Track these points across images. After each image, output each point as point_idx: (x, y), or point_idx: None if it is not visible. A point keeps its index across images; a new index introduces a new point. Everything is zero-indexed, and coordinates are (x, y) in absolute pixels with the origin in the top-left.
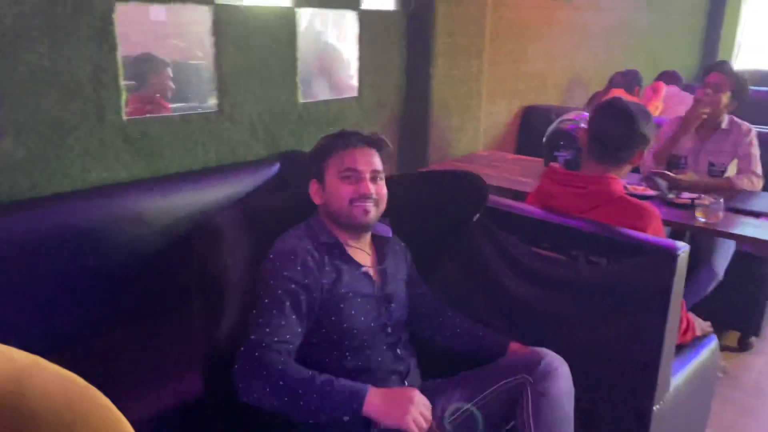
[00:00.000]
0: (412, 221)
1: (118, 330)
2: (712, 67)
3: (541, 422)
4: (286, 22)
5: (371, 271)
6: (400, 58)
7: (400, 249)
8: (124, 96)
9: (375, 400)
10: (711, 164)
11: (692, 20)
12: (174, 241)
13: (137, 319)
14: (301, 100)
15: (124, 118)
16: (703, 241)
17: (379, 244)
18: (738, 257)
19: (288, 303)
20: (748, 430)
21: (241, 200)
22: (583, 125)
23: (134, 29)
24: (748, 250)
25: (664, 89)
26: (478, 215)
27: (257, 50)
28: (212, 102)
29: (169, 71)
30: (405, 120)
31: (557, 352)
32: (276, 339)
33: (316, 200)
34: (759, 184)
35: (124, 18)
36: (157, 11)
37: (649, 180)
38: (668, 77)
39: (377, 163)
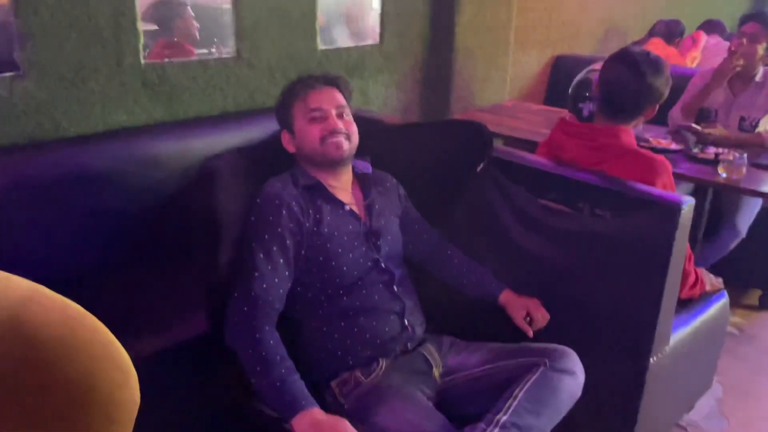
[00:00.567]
0: (416, 171)
1: (133, 269)
2: (750, 17)
3: (531, 396)
4: None
5: (355, 208)
6: (424, 5)
7: (391, 186)
8: (141, 40)
9: (303, 423)
10: (742, 119)
11: None
12: (190, 185)
13: (152, 259)
14: (321, 46)
15: (143, 62)
16: (727, 198)
17: (362, 182)
18: (763, 214)
19: (275, 248)
20: (762, 389)
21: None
22: None
23: None
24: None
25: (704, 39)
26: (482, 165)
27: None
28: (232, 47)
29: (192, 15)
30: (428, 69)
31: (559, 304)
32: (265, 286)
33: (290, 149)
34: None
35: None
36: None
37: (676, 134)
38: (710, 26)
39: (340, 99)
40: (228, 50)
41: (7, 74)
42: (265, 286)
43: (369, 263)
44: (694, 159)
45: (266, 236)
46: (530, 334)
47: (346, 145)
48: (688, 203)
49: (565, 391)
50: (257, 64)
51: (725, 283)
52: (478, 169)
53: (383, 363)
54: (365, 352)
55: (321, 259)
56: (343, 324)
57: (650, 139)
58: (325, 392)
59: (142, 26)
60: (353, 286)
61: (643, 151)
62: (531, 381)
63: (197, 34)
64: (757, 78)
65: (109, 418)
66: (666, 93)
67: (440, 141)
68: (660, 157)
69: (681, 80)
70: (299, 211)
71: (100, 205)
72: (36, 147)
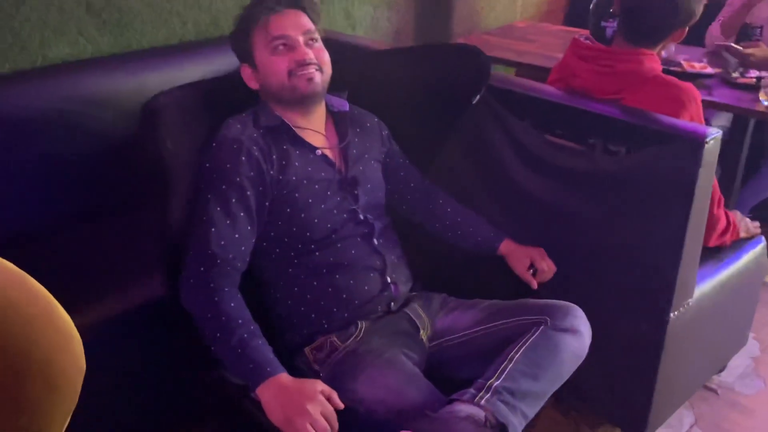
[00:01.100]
0: (402, 105)
1: (82, 225)
2: None
3: (528, 358)
4: None
5: (329, 153)
6: None
7: (372, 125)
8: None
9: (269, 391)
10: None
11: None
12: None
13: (101, 213)
14: None
15: None
16: None
17: (338, 122)
18: None
19: (234, 199)
20: None
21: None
22: None
23: None
24: None
25: None
26: (479, 96)
27: None
28: None
29: None
30: None
31: (568, 253)
32: (223, 243)
33: (252, 85)
34: None
35: None
36: None
37: (713, 54)
38: None
39: (307, 23)
40: None
41: None
42: (223, 242)
43: (344, 215)
44: (733, 84)
45: (223, 186)
46: (534, 285)
47: (318, 77)
48: (714, 136)
49: (568, 351)
50: None
51: (766, 228)
52: (474, 101)
53: (362, 326)
54: (342, 314)
55: (288, 210)
56: (315, 283)
57: (682, 62)
58: (298, 359)
59: None
60: (326, 241)
61: (667, 78)
62: (529, 342)
63: None
64: None
65: (49, 386)
66: (698, 11)
67: (429, 69)
68: (687, 85)
69: None
70: (261, 156)
71: (40, 153)
72: None
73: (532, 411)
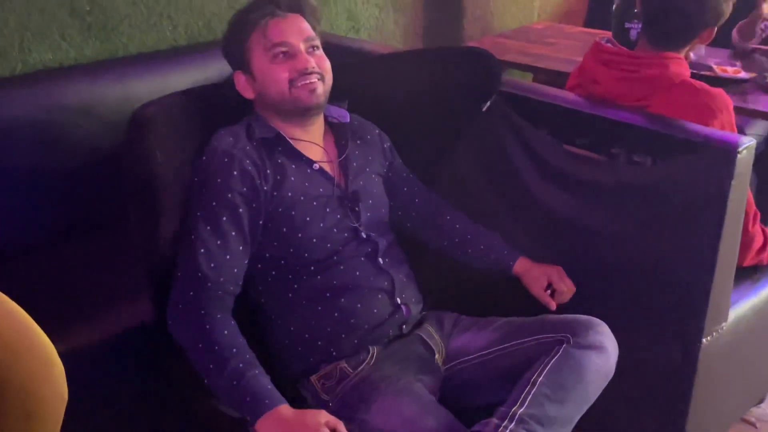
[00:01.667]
0: (406, 111)
1: (65, 242)
2: None
3: (552, 381)
4: None
5: (327, 167)
6: None
7: (373, 137)
8: None
9: (269, 426)
10: None
11: None
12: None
13: (88, 229)
14: None
15: None
16: None
17: (337, 133)
18: None
19: (225, 217)
20: None
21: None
22: None
23: None
24: None
25: None
26: (489, 103)
27: None
28: None
29: None
30: None
31: (590, 272)
32: (213, 265)
33: (248, 94)
34: None
35: None
36: None
37: (746, 57)
38: None
39: (308, 29)
40: None
41: None
42: (213, 264)
43: (345, 233)
44: None
45: (213, 203)
46: (553, 307)
47: (320, 87)
48: (747, 145)
49: (594, 371)
50: None
51: None
52: (484, 108)
53: (374, 351)
54: (351, 340)
55: (284, 230)
56: (320, 308)
57: (714, 66)
58: (303, 388)
59: None
60: (327, 262)
61: (696, 83)
62: (551, 363)
63: None
64: None
65: (28, 415)
66: (728, 10)
67: (435, 74)
68: (718, 91)
69: None
70: (254, 170)
71: (21, 166)
72: None
73: None
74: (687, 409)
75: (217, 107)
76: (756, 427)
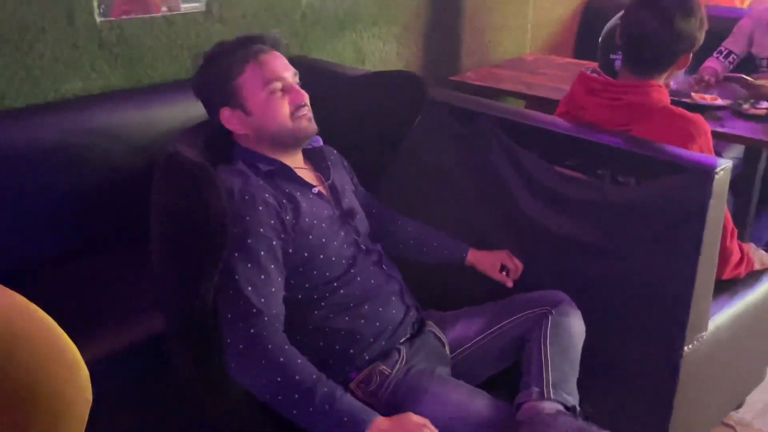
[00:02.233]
0: (350, 128)
1: (90, 257)
2: None
3: (555, 343)
4: None
5: (322, 190)
6: None
7: (336, 158)
8: None
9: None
10: None
11: None
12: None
13: (111, 245)
14: None
15: (98, 19)
16: None
17: (315, 159)
18: None
19: (263, 252)
20: None
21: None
22: None
23: None
24: None
25: None
26: (418, 119)
27: None
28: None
29: None
30: (432, 18)
31: (577, 283)
32: (263, 300)
33: (239, 129)
34: None
35: None
36: None
37: (722, 86)
38: None
39: (289, 64)
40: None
41: None
42: (263, 299)
43: (352, 248)
44: (744, 116)
45: (249, 240)
46: (509, 284)
47: (311, 115)
48: (724, 166)
49: (576, 332)
50: (231, 19)
51: None
52: (414, 123)
53: (403, 350)
54: (380, 343)
55: (306, 255)
56: (347, 318)
57: (693, 94)
58: None
59: None
60: (346, 276)
61: (676, 109)
62: (549, 333)
63: None
64: None
65: (55, 416)
66: (701, 38)
67: (371, 95)
68: (696, 117)
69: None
70: (275, 203)
71: (52, 185)
72: None
73: (575, 388)
74: (670, 413)
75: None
76: (736, 430)
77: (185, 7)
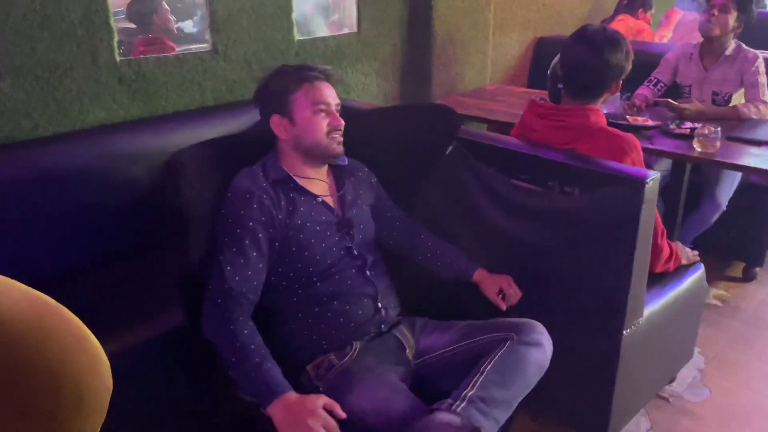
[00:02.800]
0: (387, 155)
1: (112, 264)
2: None
3: (498, 369)
4: None
5: (329, 199)
6: None
7: (363, 175)
8: (116, 37)
9: (279, 409)
10: (715, 93)
11: None
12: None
13: (131, 254)
14: (298, 37)
15: (118, 59)
16: (707, 172)
17: (337, 173)
18: (744, 187)
19: (247, 241)
20: (743, 357)
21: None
22: None
23: None
24: (756, 180)
25: (678, 16)
26: (451, 147)
27: None
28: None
29: (167, 9)
30: (407, 55)
31: (533, 279)
32: (237, 279)
33: (282, 135)
34: (766, 112)
35: None
36: None
37: (652, 110)
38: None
39: (336, 95)
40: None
41: None
42: (237, 278)
43: (342, 251)
44: (671, 134)
45: (238, 230)
46: (503, 307)
47: (342, 140)
48: (653, 177)
49: (533, 363)
50: (234, 57)
51: (709, 255)
52: (447, 151)
53: (357, 345)
54: (339, 336)
55: (294, 249)
56: (317, 309)
57: (627, 117)
58: (302, 376)
59: (121, 24)
60: (326, 273)
61: (611, 129)
62: (498, 355)
63: (173, 28)
64: (728, 52)
65: (80, 403)
66: (628, 67)
67: (409, 125)
68: (629, 135)
69: (657, 57)
70: (270, 204)
71: (80, 202)
72: (15, 147)
73: (503, 416)
74: (613, 388)
75: (234, 152)
76: (669, 402)
77: (194, 47)
